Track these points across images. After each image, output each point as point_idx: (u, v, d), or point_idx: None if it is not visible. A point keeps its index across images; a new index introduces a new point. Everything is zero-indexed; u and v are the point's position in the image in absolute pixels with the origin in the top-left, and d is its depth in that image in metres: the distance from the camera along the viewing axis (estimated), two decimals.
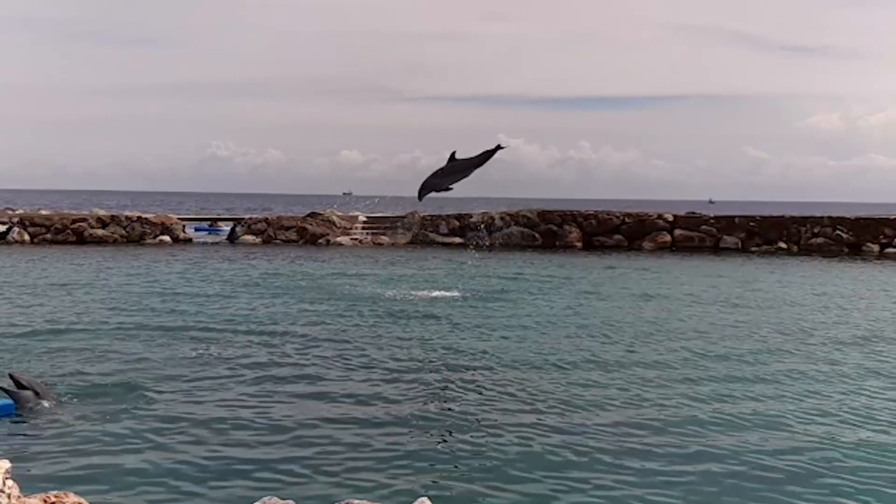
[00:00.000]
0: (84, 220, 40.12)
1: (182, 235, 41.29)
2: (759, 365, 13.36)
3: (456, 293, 21.71)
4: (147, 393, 10.92)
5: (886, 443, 9.27)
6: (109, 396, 10.71)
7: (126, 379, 11.68)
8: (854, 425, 9.98)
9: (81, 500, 4.98)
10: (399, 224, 42.54)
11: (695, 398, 11.11)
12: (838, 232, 40.40)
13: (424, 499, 4.14)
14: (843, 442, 9.24)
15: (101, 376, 11.82)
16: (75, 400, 10.48)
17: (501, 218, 42.25)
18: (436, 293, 21.61)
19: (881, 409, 10.79)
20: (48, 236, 38.66)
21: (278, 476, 7.82)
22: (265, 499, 4.28)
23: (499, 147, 21.41)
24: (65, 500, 4.96)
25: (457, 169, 21.57)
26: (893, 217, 42.08)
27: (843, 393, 11.61)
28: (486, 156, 21.40)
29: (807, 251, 39.38)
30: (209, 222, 48.33)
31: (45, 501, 4.87)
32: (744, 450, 8.89)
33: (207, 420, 9.71)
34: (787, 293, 23.30)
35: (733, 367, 13.21)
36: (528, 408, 10.51)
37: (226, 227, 45.09)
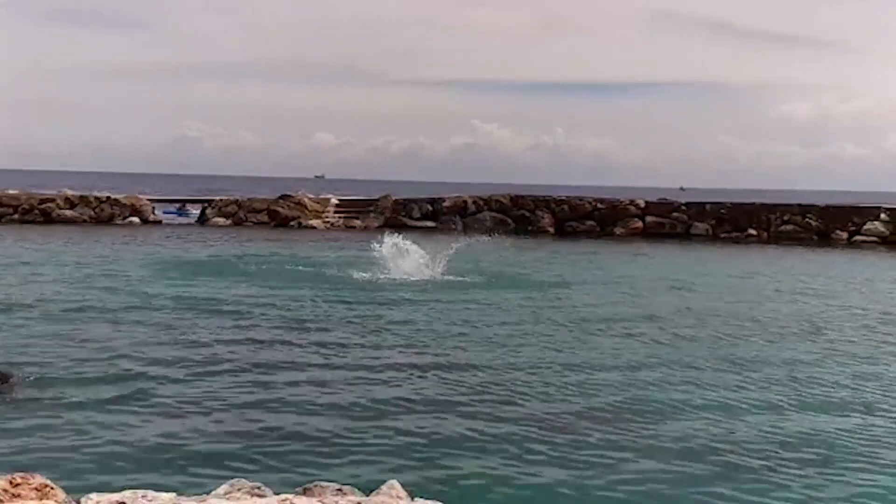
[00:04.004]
0: (52, 200, 39.60)
1: (152, 217, 40.97)
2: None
3: (431, 276, 21.68)
4: (110, 375, 10.82)
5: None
6: (72, 379, 10.60)
7: (88, 361, 11.56)
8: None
9: (47, 481, 4.93)
10: (372, 207, 42.43)
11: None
12: (808, 220, 40.82)
13: (394, 482, 4.13)
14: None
15: (64, 359, 11.68)
16: (37, 382, 10.35)
17: (474, 202, 42.27)
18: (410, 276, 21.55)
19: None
20: (15, 217, 38.16)
21: (247, 459, 7.81)
22: (233, 481, 4.26)
23: None
24: (31, 481, 4.90)
25: None
26: (862, 206, 42.56)
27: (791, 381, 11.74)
28: None
29: (776, 239, 39.76)
30: (178, 204, 47.84)
31: (10, 483, 4.81)
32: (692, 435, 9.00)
33: (174, 403, 9.65)
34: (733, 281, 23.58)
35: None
36: (500, 391, 10.55)
37: (195, 210, 44.80)
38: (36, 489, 4.67)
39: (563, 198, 43.73)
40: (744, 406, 10.18)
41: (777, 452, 8.47)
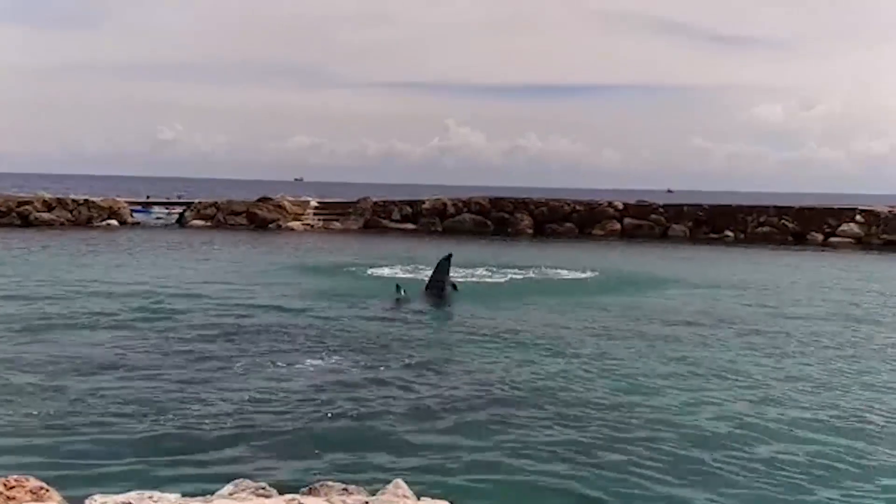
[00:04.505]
0: (29, 202, 39.21)
1: (130, 219, 40.72)
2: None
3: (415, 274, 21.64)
4: (108, 376, 10.74)
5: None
6: (61, 381, 10.50)
7: (74, 363, 11.46)
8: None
9: (42, 483, 4.88)
10: (351, 210, 42.37)
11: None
12: (784, 221, 41.18)
13: (399, 480, 4.12)
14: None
15: (45, 362, 11.57)
16: (27, 385, 10.25)
17: (454, 205, 42.34)
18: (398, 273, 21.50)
19: None
20: None
21: (251, 459, 7.78)
22: (237, 481, 4.23)
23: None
24: (25, 484, 4.85)
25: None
26: (837, 207, 43.00)
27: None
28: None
29: (752, 240, 40.06)
30: (141, 205, 47.46)
31: (5, 486, 4.76)
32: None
33: (172, 403, 9.57)
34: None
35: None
36: (499, 391, 10.56)
37: (157, 209, 45.04)
38: (31, 492, 4.62)
39: (543, 200, 43.89)
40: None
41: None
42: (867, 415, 9.90)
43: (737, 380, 11.50)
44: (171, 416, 9.09)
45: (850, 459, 8.27)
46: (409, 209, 42.22)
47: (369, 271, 22.63)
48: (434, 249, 27.68)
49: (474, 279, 22.02)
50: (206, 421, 8.97)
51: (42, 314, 15.44)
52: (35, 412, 9.14)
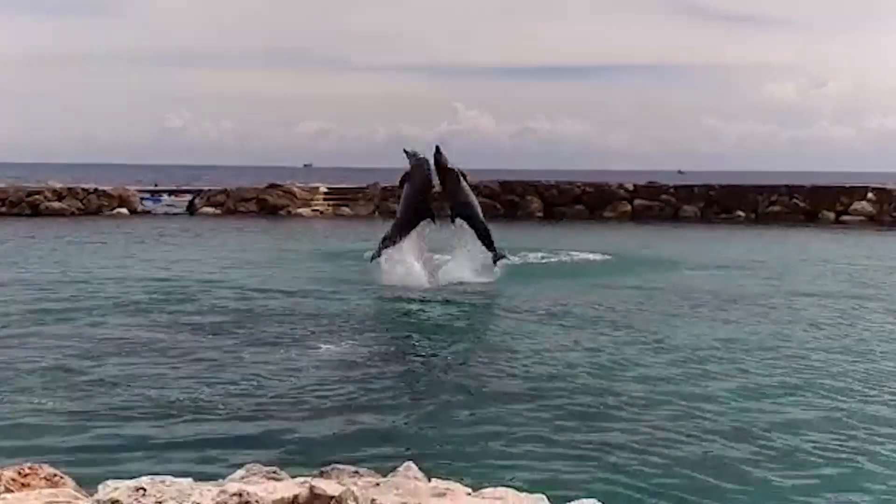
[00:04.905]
0: (39, 192, 39.36)
1: (140, 208, 40.86)
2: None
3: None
4: (119, 362, 10.80)
5: None
6: (72, 368, 10.55)
7: (85, 350, 11.51)
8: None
9: (56, 471, 4.91)
10: (361, 195, 42.35)
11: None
12: (795, 200, 40.97)
13: (410, 463, 4.14)
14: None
15: (55, 349, 11.62)
16: (37, 371, 10.31)
17: None
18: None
19: None
20: (3, 209, 37.90)
21: (263, 444, 7.80)
22: (249, 465, 4.26)
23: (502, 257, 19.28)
24: (39, 471, 4.88)
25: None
26: (849, 186, 42.77)
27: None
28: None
29: (764, 220, 39.92)
30: (150, 193, 47.57)
31: (19, 473, 4.79)
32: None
33: (183, 389, 9.60)
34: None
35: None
36: (520, 378, 10.54)
37: (167, 198, 45.14)
38: (45, 479, 4.65)
39: (552, 182, 43.75)
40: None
41: None
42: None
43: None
44: (183, 401, 9.14)
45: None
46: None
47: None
48: (443, 232, 27.61)
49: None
50: (219, 406, 9.01)
51: (52, 301, 15.50)
52: (46, 399, 9.19)
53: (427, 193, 19.01)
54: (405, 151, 18.87)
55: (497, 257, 19.21)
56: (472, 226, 19.33)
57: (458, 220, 19.36)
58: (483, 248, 19.28)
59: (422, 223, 18.97)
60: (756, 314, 15.11)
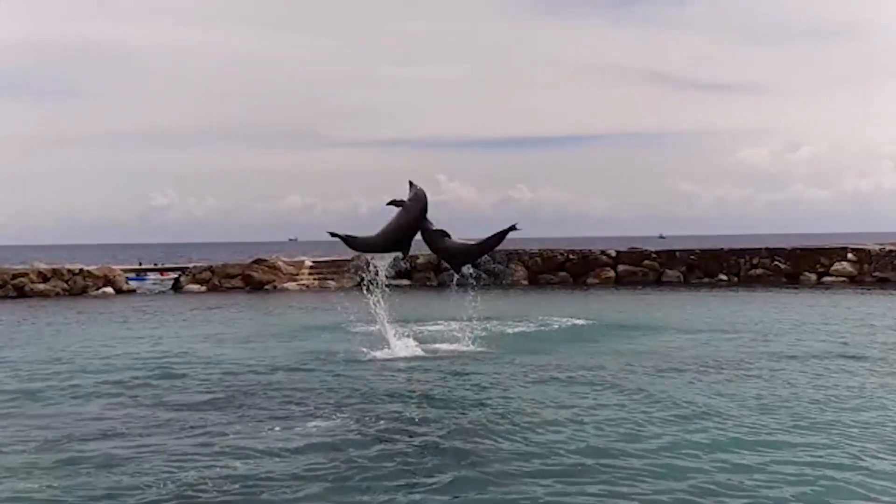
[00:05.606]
0: (25, 274, 39.30)
1: (126, 287, 40.83)
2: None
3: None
4: (102, 445, 10.74)
5: None
6: (54, 453, 10.49)
7: (68, 434, 11.44)
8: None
9: None
10: (346, 268, 42.48)
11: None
12: (776, 263, 41.40)
13: None
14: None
15: (37, 432, 11.58)
16: (21, 458, 10.25)
17: None
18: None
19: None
20: None
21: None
22: None
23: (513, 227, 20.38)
24: None
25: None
26: (828, 247, 43.28)
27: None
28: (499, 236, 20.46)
29: (747, 282, 40.28)
30: (135, 273, 47.53)
31: None
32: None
33: (168, 471, 9.52)
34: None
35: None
36: (506, 443, 10.56)
37: (153, 276, 45.21)
38: None
39: (535, 250, 44.13)
40: None
41: None
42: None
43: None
44: (168, 485, 9.06)
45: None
46: (403, 265, 42.32)
47: (363, 328, 22.56)
48: (427, 303, 27.81)
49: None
50: (206, 487, 8.94)
51: (36, 381, 15.49)
52: (28, 482, 9.14)
53: (418, 224, 19.46)
54: (410, 182, 19.37)
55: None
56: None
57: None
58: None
59: (396, 253, 20.22)
60: (741, 375, 15.24)
